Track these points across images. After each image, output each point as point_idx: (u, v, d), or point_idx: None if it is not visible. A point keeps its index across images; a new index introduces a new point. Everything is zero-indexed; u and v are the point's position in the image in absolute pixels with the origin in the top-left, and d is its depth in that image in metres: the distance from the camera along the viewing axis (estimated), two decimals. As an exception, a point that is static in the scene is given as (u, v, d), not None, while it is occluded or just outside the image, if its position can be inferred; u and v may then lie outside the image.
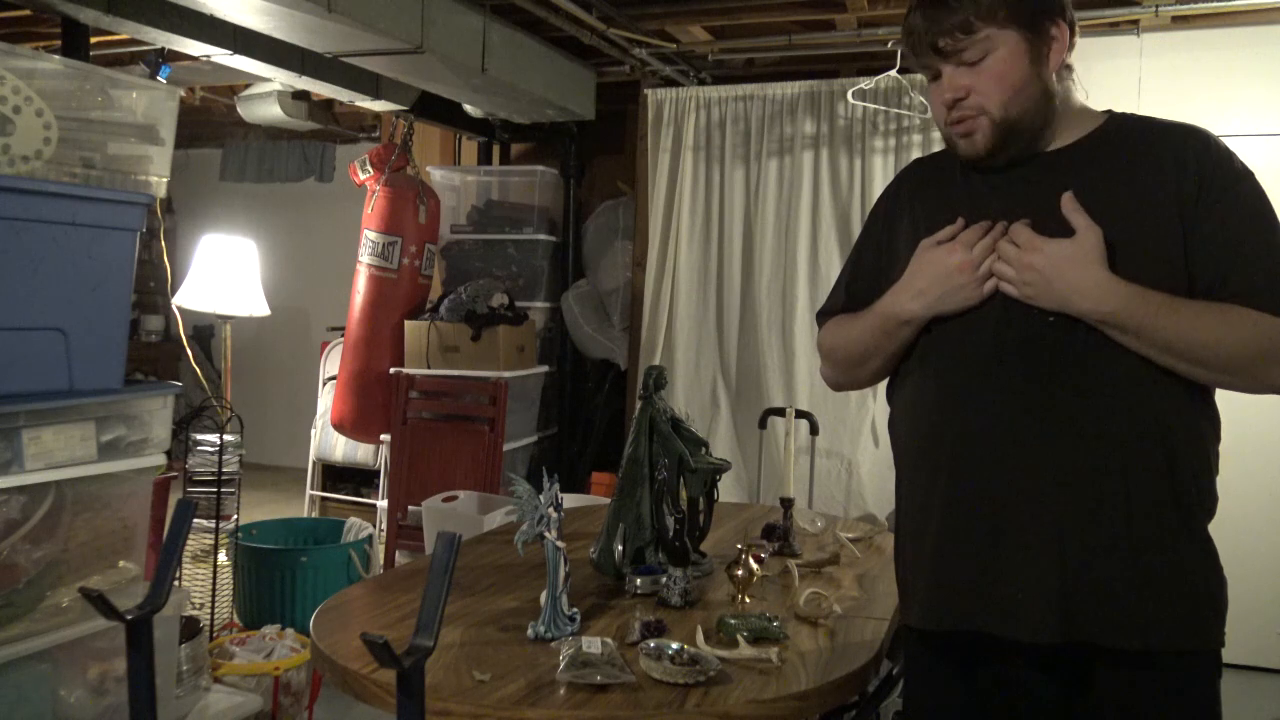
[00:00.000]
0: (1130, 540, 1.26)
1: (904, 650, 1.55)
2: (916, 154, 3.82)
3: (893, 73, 3.79)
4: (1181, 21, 3.61)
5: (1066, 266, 1.26)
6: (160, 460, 2.27)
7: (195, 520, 2.91)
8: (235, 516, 3.36)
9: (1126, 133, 1.35)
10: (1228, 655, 1.30)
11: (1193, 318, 1.23)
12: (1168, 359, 1.25)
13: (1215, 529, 1.31)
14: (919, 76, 3.86)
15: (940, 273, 1.36)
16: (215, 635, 3.18)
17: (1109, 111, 1.39)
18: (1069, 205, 1.28)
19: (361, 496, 4.85)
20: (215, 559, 3.28)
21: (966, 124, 1.34)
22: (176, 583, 2.58)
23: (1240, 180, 1.29)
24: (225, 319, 3.58)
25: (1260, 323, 1.23)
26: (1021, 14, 1.30)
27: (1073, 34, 1.34)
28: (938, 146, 1.66)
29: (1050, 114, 1.34)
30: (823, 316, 1.61)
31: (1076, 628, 1.26)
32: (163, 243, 3.70)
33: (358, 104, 4.22)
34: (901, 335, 1.43)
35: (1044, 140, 1.35)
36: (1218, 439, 1.33)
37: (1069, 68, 1.37)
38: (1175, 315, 1.23)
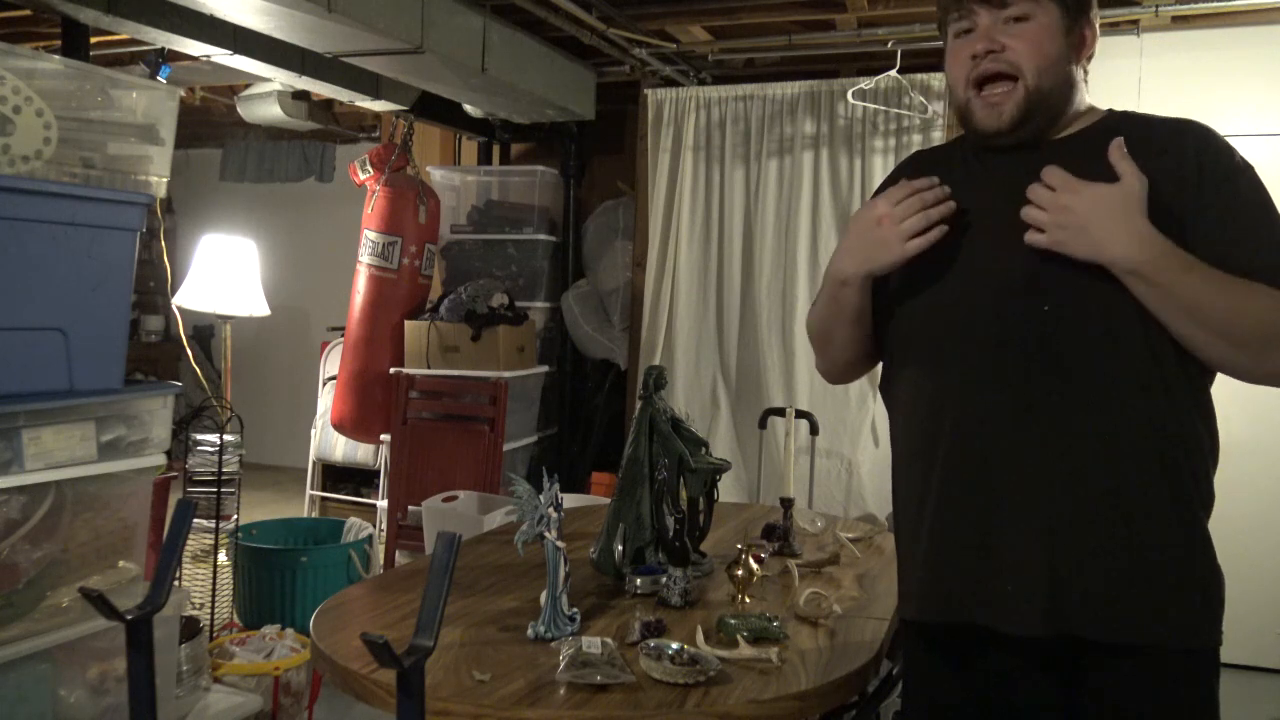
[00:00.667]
0: (1127, 537, 1.26)
1: (902, 646, 1.55)
2: (916, 154, 3.81)
3: (893, 73, 3.79)
4: (1181, 21, 3.61)
5: (1105, 212, 1.23)
6: (160, 460, 2.27)
7: (195, 520, 2.91)
8: (235, 516, 3.36)
9: (1127, 127, 1.35)
10: (1227, 655, 1.29)
11: (1220, 283, 1.22)
12: (1187, 324, 1.23)
13: (1214, 529, 1.30)
14: (919, 76, 3.88)
15: (863, 228, 1.38)
16: (215, 635, 3.18)
17: (1109, 110, 1.40)
18: (1116, 153, 1.26)
19: (361, 496, 4.85)
20: (215, 559, 3.28)
21: (995, 90, 1.33)
22: (176, 583, 2.58)
23: (1240, 173, 1.29)
24: (225, 319, 3.58)
25: (1278, 298, 1.22)
26: None
27: (1094, 39, 1.37)
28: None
29: (1067, 104, 1.35)
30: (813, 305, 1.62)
31: (1064, 621, 1.26)
32: (163, 243, 3.69)
33: (358, 104, 4.22)
34: (846, 298, 1.43)
35: (1054, 130, 1.36)
36: (1213, 435, 1.33)
37: (1085, 70, 1.38)
38: (1204, 277, 1.22)
